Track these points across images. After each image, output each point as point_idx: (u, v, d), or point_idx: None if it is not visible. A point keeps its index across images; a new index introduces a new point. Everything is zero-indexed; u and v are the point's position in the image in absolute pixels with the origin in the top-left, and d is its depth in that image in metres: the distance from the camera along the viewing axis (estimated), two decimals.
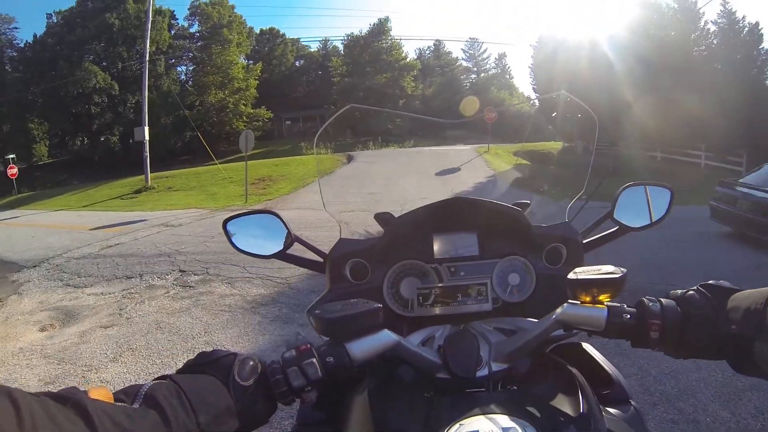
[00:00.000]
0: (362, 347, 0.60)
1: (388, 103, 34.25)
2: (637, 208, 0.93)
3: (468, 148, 22.56)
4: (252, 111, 33.54)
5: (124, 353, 3.17)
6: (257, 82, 34.31)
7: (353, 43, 37.16)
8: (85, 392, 0.42)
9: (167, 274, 5.12)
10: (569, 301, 0.64)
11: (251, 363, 0.58)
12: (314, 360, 0.57)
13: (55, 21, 32.96)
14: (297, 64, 49.52)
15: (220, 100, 32.56)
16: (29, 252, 6.93)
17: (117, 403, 0.45)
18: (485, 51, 47.43)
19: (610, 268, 0.62)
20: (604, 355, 0.83)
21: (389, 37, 37.09)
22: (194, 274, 5.06)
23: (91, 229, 9.07)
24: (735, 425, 2.09)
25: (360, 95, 33.79)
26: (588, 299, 0.61)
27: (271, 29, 47.59)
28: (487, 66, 47.39)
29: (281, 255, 0.93)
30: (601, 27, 19.48)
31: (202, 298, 4.24)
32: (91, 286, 4.93)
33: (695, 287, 0.60)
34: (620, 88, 16.42)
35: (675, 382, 2.39)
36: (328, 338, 0.61)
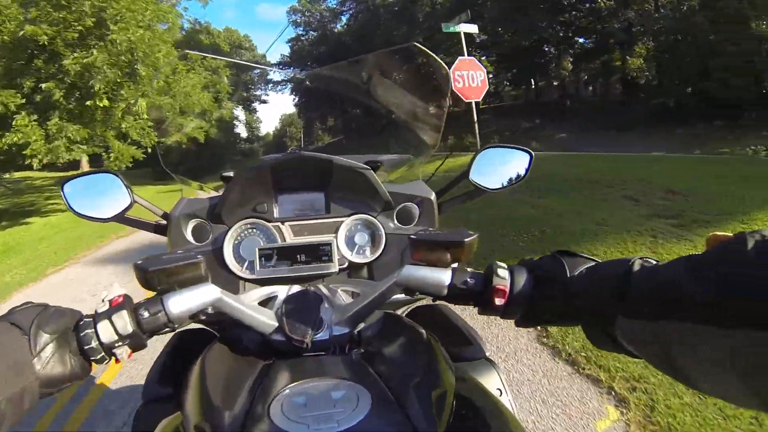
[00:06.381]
0: (180, 300, 0.54)
1: None
2: (495, 170, 0.90)
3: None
4: None
5: None
6: None
7: None
8: None
9: None
10: (410, 263, 0.59)
11: (61, 314, 0.50)
12: (125, 312, 0.51)
13: None
14: None
15: None
16: None
17: None
18: None
19: (461, 231, 0.57)
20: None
21: None
22: None
23: None
24: None
25: None
26: (432, 261, 0.57)
27: None
28: None
29: (120, 217, 0.87)
30: None
31: None
32: None
33: (549, 254, 0.55)
34: None
35: None
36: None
